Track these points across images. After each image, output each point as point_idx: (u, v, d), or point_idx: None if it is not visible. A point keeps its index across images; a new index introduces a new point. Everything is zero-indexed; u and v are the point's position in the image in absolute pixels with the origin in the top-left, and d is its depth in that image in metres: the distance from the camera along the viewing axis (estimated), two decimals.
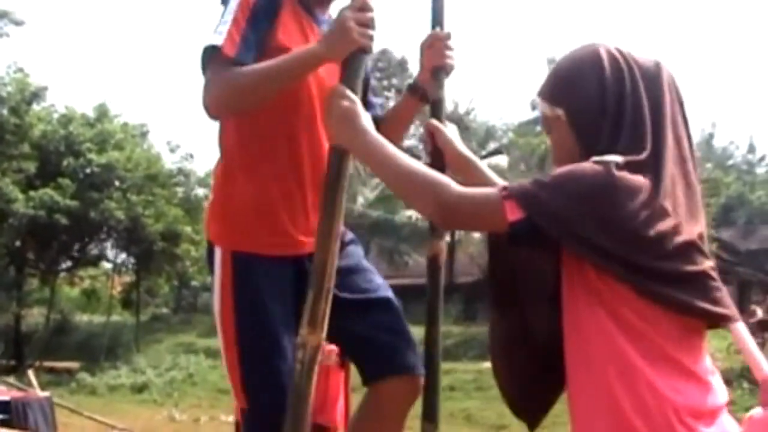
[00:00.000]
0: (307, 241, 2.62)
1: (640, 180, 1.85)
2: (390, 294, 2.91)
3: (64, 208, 26.04)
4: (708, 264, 1.92)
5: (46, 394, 12.72)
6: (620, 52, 2.03)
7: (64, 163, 27.35)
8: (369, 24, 2.39)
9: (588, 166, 1.86)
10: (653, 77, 2.00)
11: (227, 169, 2.78)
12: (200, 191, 30.92)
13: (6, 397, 11.54)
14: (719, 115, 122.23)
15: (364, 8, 2.39)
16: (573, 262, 1.92)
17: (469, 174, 2.54)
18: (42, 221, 25.91)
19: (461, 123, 43.71)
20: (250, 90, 2.51)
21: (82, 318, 37.74)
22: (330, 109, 2.28)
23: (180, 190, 30.00)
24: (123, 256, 30.03)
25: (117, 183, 27.27)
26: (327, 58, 2.45)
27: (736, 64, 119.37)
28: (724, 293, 1.92)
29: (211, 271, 2.80)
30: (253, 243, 2.70)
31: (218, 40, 2.51)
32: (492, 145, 45.48)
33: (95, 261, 30.74)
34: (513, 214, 1.87)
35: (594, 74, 2.00)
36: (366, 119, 2.22)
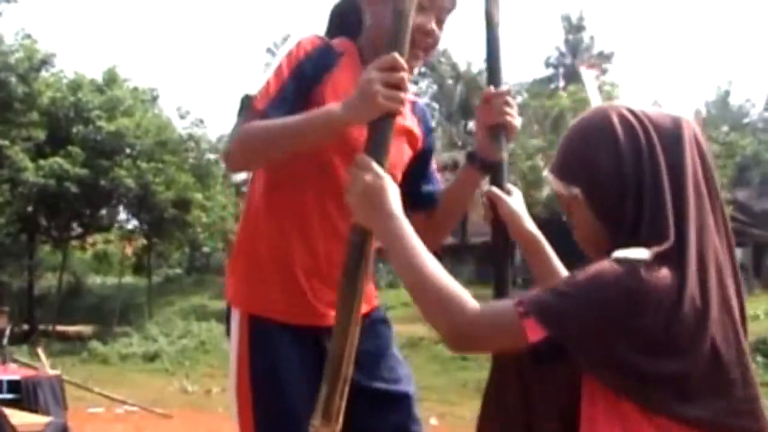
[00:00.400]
0: (330, 314, 2.37)
1: (666, 281, 1.67)
2: (411, 389, 2.74)
3: (74, 176, 26.01)
4: (741, 361, 1.74)
5: (56, 372, 12.62)
6: (634, 115, 1.83)
7: (74, 130, 27.35)
8: (399, 86, 2.11)
9: (610, 269, 1.68)
10: (672, 138, 1.81)
11: (250, 223, 2.64)
12: (211, 156, 30.73)
13: (16, 376, 11.49)
14: (736, 72, 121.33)
15: (395, 67, 2.10)
16: (594, 377, 1.74)
17: (532, 252, 2.37)
18: (52, 190, 25.93)
19: (474, 83, 43.57)
20: (267, 145, 2.36)
21: (95, 280, 37.92)
22: (353, 182, 2.02)
23: (191, 156, 29.76)
24: (134, 222, 29.93)
25: (127, 150, 27.14)
26: (350, 122, 2.23)
27: (753, 21, 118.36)
28: (757, 400, 1.75)
29: (228, 334, 2.66)
30: (272, 308, 2.54)
31: (254, 90, 2.39)
32: None
33: (107, 228, 30.69)
34: (534, 334, 1.68)
35: (608, 147, 1.81)
36: (393, 199, 1.97)
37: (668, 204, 1.75)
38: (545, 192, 30.73)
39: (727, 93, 61.45)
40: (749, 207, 41.93)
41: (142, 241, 31.34)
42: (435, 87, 52.11)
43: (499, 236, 2.37)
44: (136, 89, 30.53)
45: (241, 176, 48.30)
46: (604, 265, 1.70)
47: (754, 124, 60.64)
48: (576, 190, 1.86)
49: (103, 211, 28.86)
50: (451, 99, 48.42)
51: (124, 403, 15.59)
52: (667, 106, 1.84)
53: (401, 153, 2.66)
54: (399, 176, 2.60)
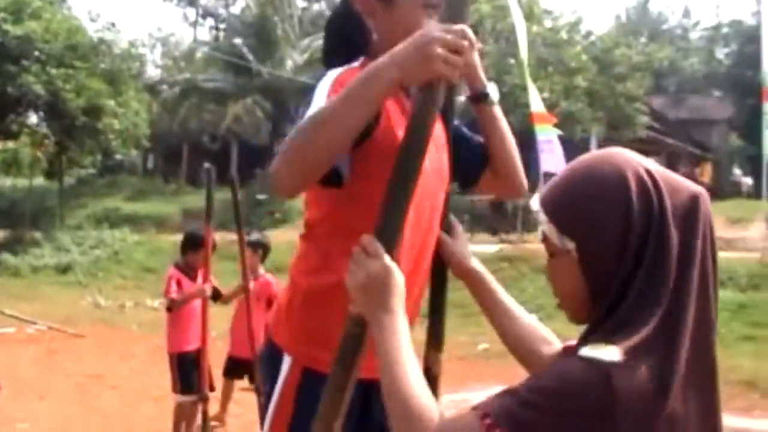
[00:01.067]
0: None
1: (641, 388, 1.53)
2: None
3: None
4: None
5: None
6: (653, 180, 1.66)
7: None
8: (461, 51, 1.95)
9: (578, 374, 1.56)
10: (688, 215, 1.66)
11: (310, 259, 2.47)
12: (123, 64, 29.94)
13: None
14: None
15: (462, 35, 1.95)
16: None
17: (478, 290, 2.38)
18: None
19: None
20: (316, 132, 2.05)
21: (5, 182, 37.21)
22: (357, 266, 1.91)
23: (102, 61, 28.96)
24: (44, 131, 29.20)
25: (35, 55, 26.25)
26: (402, 82, 2.01)
27: None
28: None
29: (268, 371, 2.55)
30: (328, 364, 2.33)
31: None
32: None
33: (16, 135, 29.91)
34: None
35: (619, 210, 1.64)
36: (396, 292, 1.89)
37: (667, 287, 1.62)
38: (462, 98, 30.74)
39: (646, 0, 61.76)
40: (664, 115, 42.48)
41: (53, 149, 30.69)
42: None
43: (435, 275, 2.43)
44: None
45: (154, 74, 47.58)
46: (571, 368, 1.59)
47: (672, 31, 61.24)
48: (570, 245, 1.71)
49: (11, 120, 28.05)
50: None
51: (34, 323, 15.44)
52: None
53: (445, 165, 2.57)
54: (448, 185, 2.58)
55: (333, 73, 2.32)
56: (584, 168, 1.73)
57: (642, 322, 1.58)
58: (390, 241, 1.94)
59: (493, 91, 2.59)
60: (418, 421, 1.70)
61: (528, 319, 2.37)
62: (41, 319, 15.63)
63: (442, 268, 2.52)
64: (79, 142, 28.20)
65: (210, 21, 55.80)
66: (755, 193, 36.45)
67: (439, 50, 1.91)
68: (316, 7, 49.57)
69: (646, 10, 61.67)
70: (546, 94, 25.48)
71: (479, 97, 2.59)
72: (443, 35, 1.92)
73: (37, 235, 26.02)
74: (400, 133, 2.11)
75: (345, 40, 2.47)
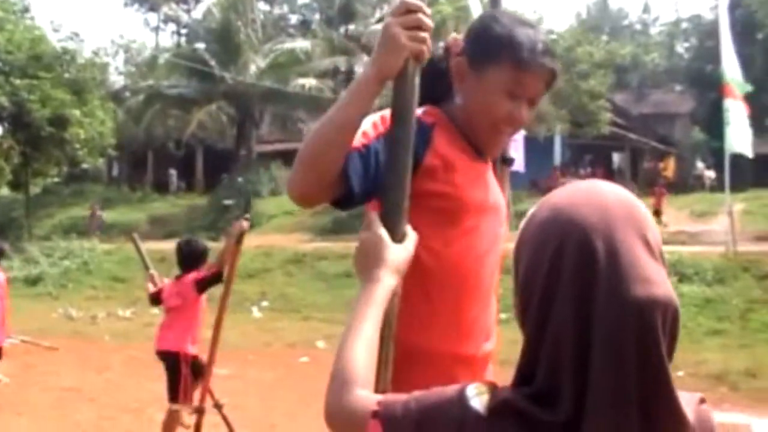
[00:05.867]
0: None
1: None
2: None
3: None
4: None
5: None
6: (611, 257, 1.40)
7: None
8: (419, 26, 2.06)
9: (450, 406, 1.50)
10: (626, 312, 1.36)
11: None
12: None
13: None
14: None
15: (411, 9, 2.06)
16: None
17: None
18: None
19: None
20: (316, 134, 2.14)
21: None
22: (359, 237, 2.06)
23: (67, 71, 28.83)
24: (9, 142, 29.01)
25: None
26: (380, 75, 2.10)
27: None
28: None
29: None
30: None
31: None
32: (386, 8, 44.91)
33: None
34: None
35: (543, 270, 1.45)
36: (383, 262, 1.95)
37: (566, 354, 1.39)
38: None
39: None
40: (627, 111, 42.84)
41: (20, 158, 30.53)
42: None
43: None
44: (5, 0, 29.19)
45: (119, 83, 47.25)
46: (451, 397, 1.52)
47: (632, 27, 61.68)
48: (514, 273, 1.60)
49: None
50: (331, 2, 47.76)
51: (8, 337, 15.33)
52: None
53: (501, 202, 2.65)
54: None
55: (380, 113, 2.36)
56: (547, 213, 1.51)
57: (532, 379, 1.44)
58: (391, 216, 2.06)
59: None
60: (341, 383, 1.73)
61: None
62: (14, 333, 15.54)
63: None
64: (45, 153, 28.16)
65: (172, 27, 55.68)
66: (718, 187, 36.78)
67: (399, 29, 2.04)
68: (277, 10, 49.57)
69: (606, 6, 62.11)
70: None
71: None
72: (395, 19, 2.05)
73: (5, 246, 25.83)
74: (471, 193, 2.39)
75: (425, 87, 2.31)
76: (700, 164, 43.09)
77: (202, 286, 7.68)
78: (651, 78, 55.75)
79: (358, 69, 41.07)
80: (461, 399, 1.48)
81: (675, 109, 51.52)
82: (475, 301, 2.44)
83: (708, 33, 52.58)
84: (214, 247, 9.70)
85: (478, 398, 1.47)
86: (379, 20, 42.07)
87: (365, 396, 1.70)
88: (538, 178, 30.52)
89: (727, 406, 10.00)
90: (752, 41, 40.63)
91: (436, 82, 2.47)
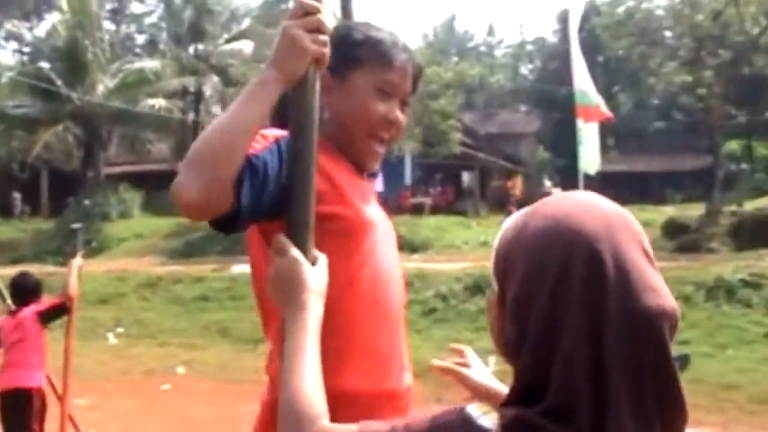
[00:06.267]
0: None
1: None
2: None
3: None
4: None
5: None
6: (619, 269, 1.37)
7: None
8: (319, 28, 1.98)
9: (450, 421, 1.43)
10: (636, 323, 1.35)
11: None
12: None
13: None
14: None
15: (309, 11, 1.97)
16: None
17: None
18: None
19: (204, 5, 42.67)
20: (214, 141, 1.91)
21: None
22: (271, 267, 1.91)
23: None
24: None
25: None
26: (283, 80, 1.96)
27: None
28: None
29: None
30: None
31: None
32: (235, 28, 44.72)
33: None
34: None
35: (547, 283, 1.38)
36: (306, 286, 1.85)
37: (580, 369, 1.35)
38: None
39: (453, 17, 63.47)
40: (475, 131, 43.69)
41: None
42: (162, 6, 50.63)
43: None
44: None
45: None
46: (451, 420, 1.44)
47: (477, 48, 63.03)
48: (494, 286, 1.53)
49: None
50: (180, 21, 47.13)
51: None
52: None
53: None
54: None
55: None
56: (543, 223, 1.45)
57: (540, 401, 1.37)
58: (299, 237, 1.93)
59: None
60: (303, 421, 1.64)
61: None
62: None
63: None
64: None
65: (14, 44, 54.08)
66: None
67: (300, 31, 1.95)
68: (124, 29, 48.70)
69: (453, 28, 63.31)
70: None
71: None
72: (295, 22, 1.96)
73: None
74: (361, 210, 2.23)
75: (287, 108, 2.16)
76: (547, 182, 44.22)
77: (47, 317, 7.41)
78: (497, 98, 57.09)
79: (207, 90, 40.70)
80: (466, 420, 1.42)
81: (521, 129, 52.89)
82: (388, 328, 2.27)
83: (551, 55, 54.40)
84: (62, 272, 9.38)
85: (486, 417, 1.40)
86: (229, 40, 41.84)
87: (335, 426, 1.62)
88: (389, 197, 30.75)
89: None
90: (594, 64, 42.05)
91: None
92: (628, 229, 1.44)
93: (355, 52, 2.33)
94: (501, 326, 1.51)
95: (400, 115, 2.36)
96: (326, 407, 1.69)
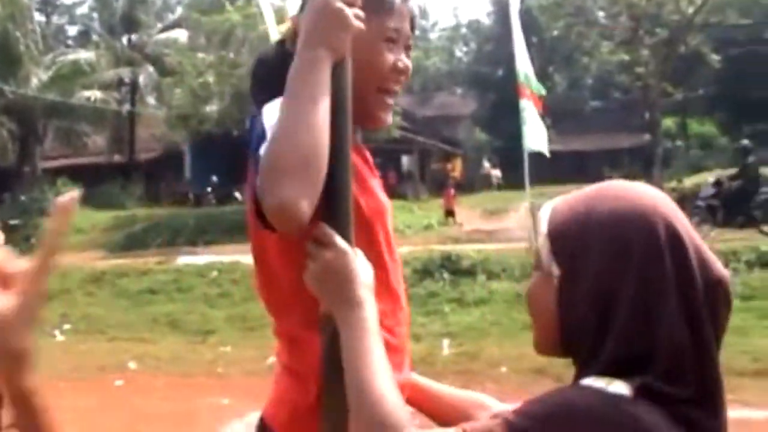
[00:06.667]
0: None
1: (660, 424, 1.40)
2: None
3: None
4: None
5: None
6: (692, 243, 1.49)
7: None
8: (354, 2, 1.89)
9: (580, 397, 1.42)
10: (713, 289, 1.48)
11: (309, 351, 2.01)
12: None
13: None
14: None
15: None
16: None
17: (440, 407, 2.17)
18: None
19: None
20: (300, 147, 1.76)
21: None
22: (312, 260, 1.78)
23: None
24: None
25: None
26: (335, 56, 1.85)
27: None
28: None
29: None
30: None
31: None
32: (170, 18, 44.32)
33: None
34: None
35: (630, 270, 1.45)
36: (359, 281, 1.74)
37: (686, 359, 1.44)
38: (215, 107, 30.63)
39: None
40: (413, 114, 43.63)
41: None
42: None
43: None
44: None
45: None
46: (577, 395, 1.44)
47: None
48: (556, 272, 1.55)
49: None
50: (113, 11, 46.56)
51: None
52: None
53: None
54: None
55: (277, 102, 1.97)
56: (613, 205, 1.52)
57: (638, 368, 1.43)
58: (343, 226, 1.81)
59: None
60: (388, 428, 1.56)
61: (452, 391, 2.23)
62: None
63: None
64: None
65: None
66: (505, 185, 38.12)
67: (342, 4, 1.86)
68: (55, 20, 47.94)
69: None
70: None
71: None
72: None
73: None
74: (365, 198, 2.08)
75: (276, 75, 1.98)
76: (486, 164, 44.50)
77: None
78: (433, 81, 57.19)
79: (143, 80, 40.26)
80: (597, 392, 1.43)
81: (458, 111, 53.04)
82: (399, 317, 2.19)
83: (486, 37, 54.63)
84: None
85: (613, 386, 1.43)
86: (163, 29, 41.43)
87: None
88: None
89: None
90: (530, 45, 42.31)
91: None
92: (676, 207, 1.55)
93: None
94: (562, 309, 1.55)
95: (407, 61, 2.21)
96: (410, 414, 1.65)
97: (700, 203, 19.29)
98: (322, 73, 1.83)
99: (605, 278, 1.47)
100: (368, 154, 2.26)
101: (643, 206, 1.50)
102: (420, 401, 2.19)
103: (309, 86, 1.81)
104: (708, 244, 1.52)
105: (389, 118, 2.24)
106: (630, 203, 1.51)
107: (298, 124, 1.78)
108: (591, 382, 1.44)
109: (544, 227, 1.58)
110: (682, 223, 1.51)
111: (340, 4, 1.84)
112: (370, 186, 2.15)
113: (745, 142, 20.77)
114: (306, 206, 1.73)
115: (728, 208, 18.72)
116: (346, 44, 1.87)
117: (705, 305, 1.45)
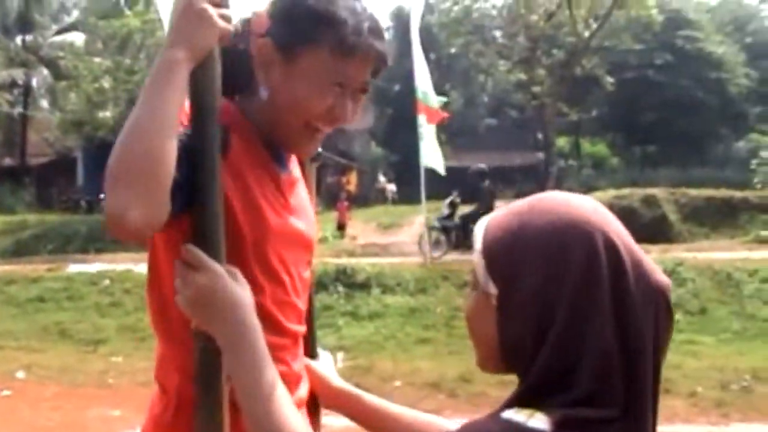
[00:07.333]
0: None
1: None
2: None
3: None
4: None
5: None
6: (629, 252, 1.44)
7: None
8: (221, 2, 1.81)
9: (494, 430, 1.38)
10: (652, 298, 1.43)
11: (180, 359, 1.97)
12: None
13: None
14: None
15: None
16: None
17: (352, 407, 2.17)
18: None
19: None
20: (129, 155, 1.68)
21: None
22: (182, 284, 1.70)
23: None
24: None
25: None
26: (193, 58, 1.75)
27: None
28: None
29: None
30: None
31: None
32: (67, 20, 43.51)
33: None
34: None
35: (572, 271, 1.41)
36: (238, 301, 1.68)
37: (618, 378, 1.39)
38: (110, 113, 30.24)
39: None
40: None
41: None
42: None
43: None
44: None
45: None
46: (489, 427, 1.39)
47: None
48: (493, 291, 1.48)
49: None
50: (6, 9, 45.44)
51: None
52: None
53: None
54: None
55: None
56: (547, 218, 1.47)
57: (572, 396, 1.39)
58: (212, 245, 1.72)
59: None
60: None
61: (402, 410, 2.19)
62: None
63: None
64: None
65: None
66: (400, 199, 38.32)
67: (206, 4, 1.77)
68: None
69: None
70: None
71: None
72: None
73: None
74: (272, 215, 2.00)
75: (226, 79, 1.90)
76: (381, 178, 44.64)
77: None
78: None
79: (37, 82, 39.47)
80: (513, 426, 1.37)
81: (354, 125, 52.86)
82: (288, 355, 2.10)
83: None
84: None
85: (533, 419, 1.36)
86: (59, 32, 40.67)
87: None
88: None
89: (448, 413, 10.07)
90: (427, 61, 42.72)
91: (233, 69, 1.96)
92: (613, 216, 1.50)
93: (310, 27, 1.96)
94: (501, 327, 1.47)
95: (349, 107, 2.02)
96: None
97: (436, 224, 19.37)
98: (175, 75, 1.73)
99: (542, 292, 1.41)
100: (290, 175, 2.16)
101: (578, 217, 1.45)
102: (369, 419, 2.19)
103: (157, 89, 1.72)
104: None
105: (312, 149, 2.14)
106: (564, 215, 1.45)
107: (132, 128, 1.70)
108: (511, 415, 1.39)
109: (478, 245, 1.51)
110: (618, 232, 1.45)
111: (204, 5, 1.76)
112: (265, 204, 2.01)
113: (482, 165, 20.63)
114: (136, 216, 1.66)
115: (463, 230, 18.66)
116: (210, 45, 1.78)
117: (643, 315, 1.40)
